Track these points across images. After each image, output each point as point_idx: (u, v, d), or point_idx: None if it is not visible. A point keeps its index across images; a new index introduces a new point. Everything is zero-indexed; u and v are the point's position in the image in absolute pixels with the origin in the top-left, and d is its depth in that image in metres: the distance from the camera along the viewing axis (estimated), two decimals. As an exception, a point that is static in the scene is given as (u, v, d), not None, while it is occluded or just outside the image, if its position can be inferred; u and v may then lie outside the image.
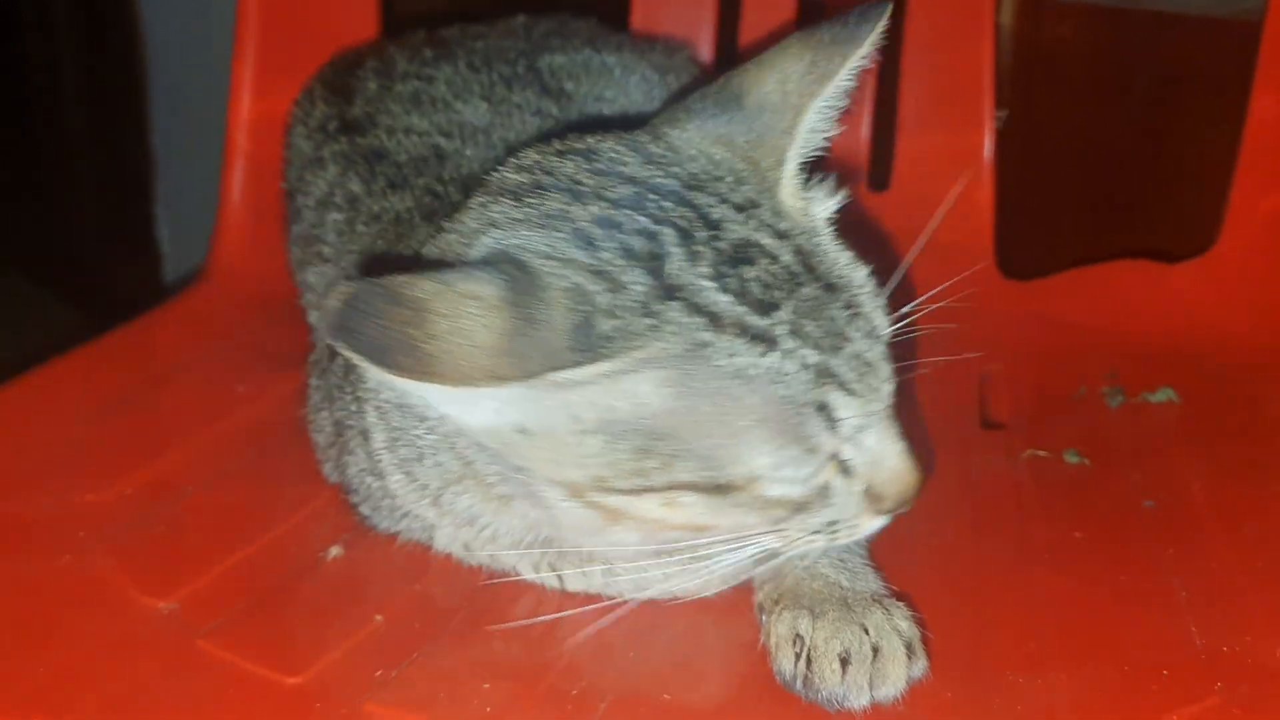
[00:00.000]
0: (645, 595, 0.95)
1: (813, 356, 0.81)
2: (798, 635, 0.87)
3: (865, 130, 1.63)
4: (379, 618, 0.96)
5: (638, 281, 0.80)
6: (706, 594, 0.92)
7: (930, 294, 0.89)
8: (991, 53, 1.57)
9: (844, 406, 0.82)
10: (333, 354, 1.04)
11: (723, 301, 0.80)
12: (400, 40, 1.41)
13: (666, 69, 1.43)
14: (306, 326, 1.26)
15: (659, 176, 0.85)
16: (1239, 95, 1.46)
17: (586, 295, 0.78)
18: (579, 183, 0.85)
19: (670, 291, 0.80)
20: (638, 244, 0.81)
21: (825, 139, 0.89)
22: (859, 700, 0.85)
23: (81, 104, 2.70)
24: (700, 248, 0.82)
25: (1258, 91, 1.45)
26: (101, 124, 2.67)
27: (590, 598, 0.97)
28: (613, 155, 0.87)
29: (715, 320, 0.79)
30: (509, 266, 0.78)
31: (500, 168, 0.90)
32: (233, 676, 0.89)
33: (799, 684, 0.86)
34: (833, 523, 0.86)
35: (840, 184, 0.90)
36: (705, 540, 0.86)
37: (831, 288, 0.84)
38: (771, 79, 0.89)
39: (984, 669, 0.89)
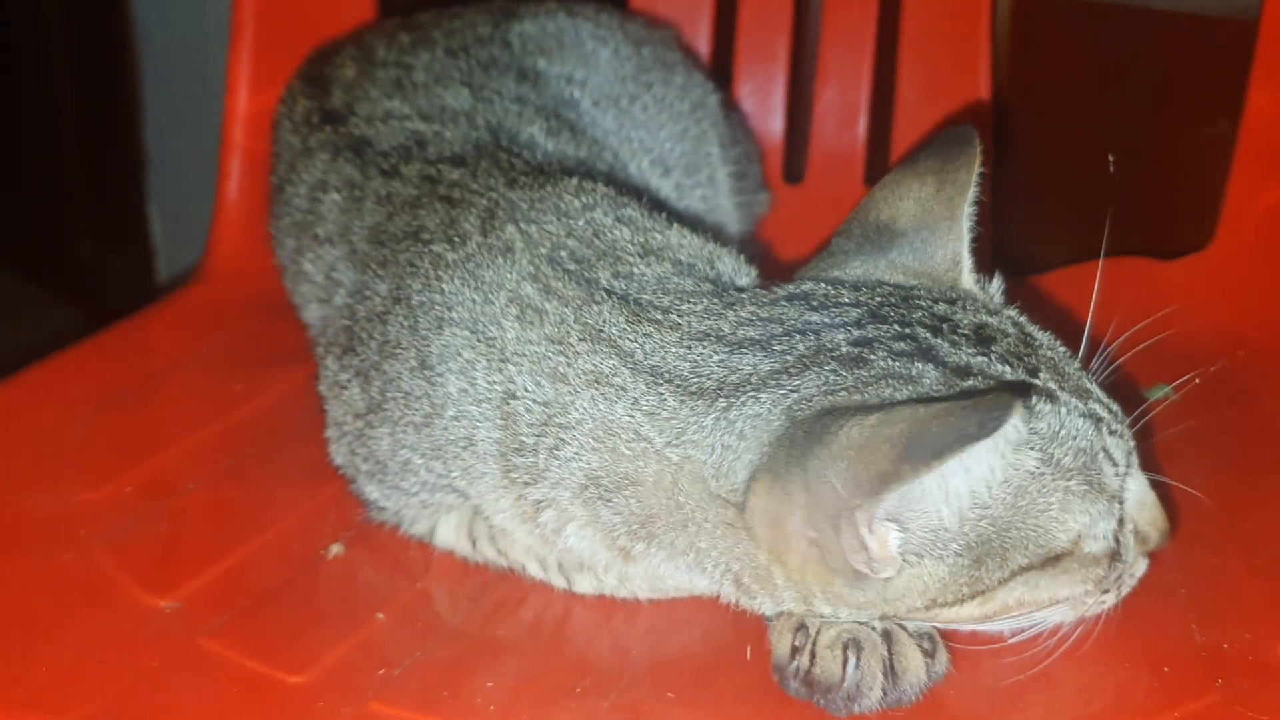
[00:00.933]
0: (659, 596, 0.96)
1: (1082, 406, 0.84)
2: (802, 626, 0.86)
3: (862, 129, 1.64)
4: (381, 616, 0.96)
5: (926, 373, 0.81)
6: None
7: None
8: (988, 48, 1.57)
9: (1116, 449, 0.85)
10: (356, 337, 1.03)
11: (1007, 372, 0.82)
12: (377, 28, 1.41)
13: (643, 41, 1.43)
14: (303, 324, 1.25)
15: (876, 298, 0.88)
16: (1234, 93, 1.47)
17: (890, 399, 0.79)
18: (811, 322, 0.87)
19: (962, 372, 0.81)
20: (902, 346, 0.83)
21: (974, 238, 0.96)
22: (873, 694, 0.83)
23: (74, 99, 2.69)
24: (953, 335, 0.84)
25: (1254, 89, 1.45)
26: (94, 119, 2.66)
27: (599, 600, 0.97)
28: (825, 292, 0.90)
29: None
30: (835, 411, 0.79)
31: (719, 315, 0.90)
32: (236, 675, 0.88)
33: (798, 683, 0.85)
34: (1119, 575, 0.88)
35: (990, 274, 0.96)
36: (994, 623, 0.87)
37: (1051, 348, 0.88)
38: (910, 205, 0.95)
39: (985, 669, 0.89)
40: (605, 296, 0.92)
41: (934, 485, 0.78)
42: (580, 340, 0.90)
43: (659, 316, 0.90)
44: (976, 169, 0.95)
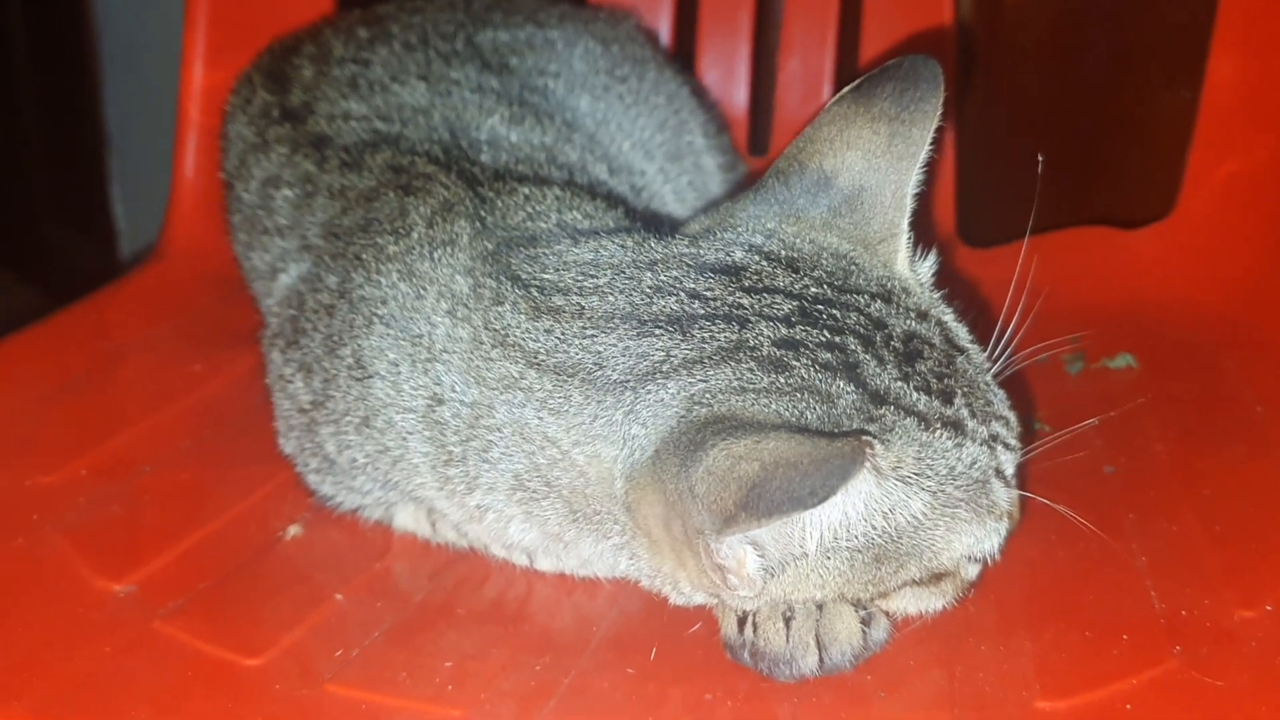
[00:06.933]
0: (619, 574, 0.95)
1: (985, 431, 0.84)
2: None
3: (826, 99, 1.63)
4: (339, 596, 0.95)
5: (845, 394, 0.80)
6: None
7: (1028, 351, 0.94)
8: (952, 15, 1.56)
9: (1009, 464, 0.86)
10: (301, 329, 1.02)
11: (922, 401, 0.82)
12: (336, 23, 1.38)
13: (610, 39, 1.42)
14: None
15: (810, 285, 0.86)
16: (1197, 61, 1.46)
17: (802, 414, 0.78)
18: (739, 306, 0.84)
19: (878, 398, 0.80)
20: (828, 357, 0.81)
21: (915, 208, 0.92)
22: (807, 661, 0.85)
23: (34, 80, 2.66)
24: (882, 351, 0.83)
25: (1215, 56, 1.45)
26: (54, 99, 2.62)
27: (561, 576, 0.97)
28: (759, 270, 0.86)
29: (923, 420, 0.81)
30: (721, 422, 0.77)
31: (629, 285, 0.87)
32: (191, 659, 0.87)
33: (746, 654, 0.86)
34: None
35: (929, 243, 0.93)
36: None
37: (965, 352, 0.87)
38: (856, 158, 0.90)
39: (947, 635, 0.89)
40: (511, 290, 0.89)
41: (792, 524, 0.78)
42: (493, 346, 0.88)
43: (560, 302, 0.87)
44: (934, 125, 0.91)
